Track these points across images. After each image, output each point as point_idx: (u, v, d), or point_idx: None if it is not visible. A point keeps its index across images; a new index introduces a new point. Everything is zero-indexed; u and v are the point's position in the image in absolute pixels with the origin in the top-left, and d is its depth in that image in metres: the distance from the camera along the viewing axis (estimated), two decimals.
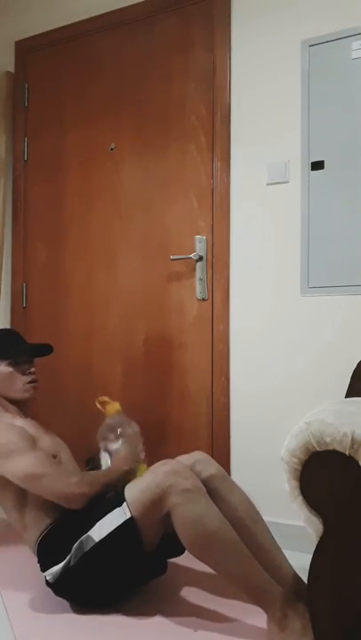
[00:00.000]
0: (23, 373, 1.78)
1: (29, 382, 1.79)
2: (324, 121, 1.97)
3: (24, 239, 2.62)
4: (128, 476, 1.64)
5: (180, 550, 1.60)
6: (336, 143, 1.96)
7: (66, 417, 2.33)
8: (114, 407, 1.83)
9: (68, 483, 1.56)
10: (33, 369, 1.82)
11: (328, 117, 1.97)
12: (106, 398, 1.85)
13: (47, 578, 1.56)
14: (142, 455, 1.76)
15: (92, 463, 1.79)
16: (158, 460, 1.56)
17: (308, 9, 2.00)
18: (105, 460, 1.74)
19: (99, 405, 1.83)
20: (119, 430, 1.76)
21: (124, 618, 1.52)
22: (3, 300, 2.62)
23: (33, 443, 1.65)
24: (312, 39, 1.99)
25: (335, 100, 1.95)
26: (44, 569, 1.57)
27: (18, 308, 2.62)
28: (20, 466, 1.56)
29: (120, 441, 1.75)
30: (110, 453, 1.74)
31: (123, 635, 1.45)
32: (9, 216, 2.64)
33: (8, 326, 2.62)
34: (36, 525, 1.60)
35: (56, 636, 1.45)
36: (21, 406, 1.81)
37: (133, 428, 1.80)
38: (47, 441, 1.74)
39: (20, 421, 1.73)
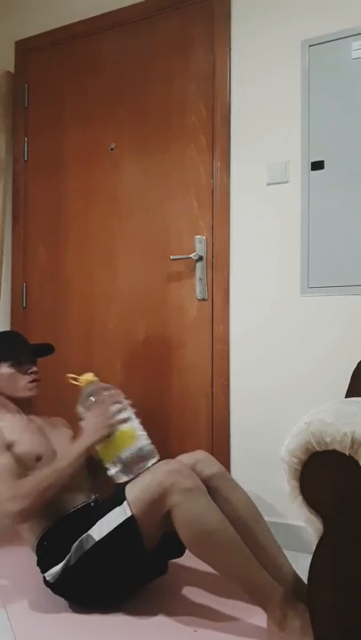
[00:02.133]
0: (25, 373, 1.79)
1: (32, 381, 1.80)
2: (324, 121, 1.97)
3: (24, 239, 2.62)
4: (109, 442, 1.57)
5: (180, 551, 1.60)
6: (336, 143, 1.96)
7: (65, 417, 2.32)
8: (86, 379, 1.70)
9: (3, 500, 1.50)
10: (35, 368, 1.83)
11: (328, 117, 1.97)
12: (73, 375, 1.72)
13: (47, 578, 1.56)
14: (122, 415, 1.62)
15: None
16: (158, 462, 1.56)
17: (309, 9, 2.00)
18: None
19: (72, 382, 1.72)
20: (90, 401, 1.65)
21: (124, 618, 1.52)
22: (3, 300, 2.62)
23: (4, 447, 1.61)
24: (312, 39, 1.99)
25: (335, 100, 1.95)
26: (43, 570, 1.57)
27: (18, 308, 2.62)
28: None
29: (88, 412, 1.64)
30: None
31: (123, 634, 1.45)
32: (9, 216, 2.64)
33: (8, 326, 2.63)
34: (35, 525, 1.60)
35: (56, 636, 1.45)
36: (25, 405, 1.81)
37: (105, 393, 1.66)
38: (28, 442, 1.67)
39: (7, 420, 1.71)
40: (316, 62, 1.99)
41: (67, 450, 1.65)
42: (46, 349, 1.91)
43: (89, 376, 1.72)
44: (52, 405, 2.42)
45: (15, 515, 1.50)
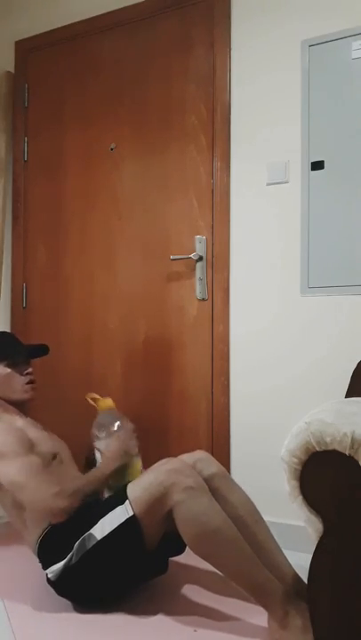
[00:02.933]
0: (21, 374, 1.79)
1: (28, 383, 1.80)
2: (324, 121, 1.98)
3: (24, 239, 2.62)
4: (122, 470, 1.65)
5: (180, 549, 1.61)
6: (336, 143, 1.96)
7: (66, 417, 2.33)
8: (106, 403, 1.78)
9: (47, 497, 1.54)
10: (30, 369, 1.82)
11: (328, 117, 1.97)
12: (95, 395, 1.80)
13: (49, 575, 1.56)
14: (136, 450, 1.74)
15: (90, 463, 1.78)
16: (158, 460, 1.56)
17: (309, 9, 2.00)
18: (99, 459, 1.73)
19: (90, 401, 1.80)
20: (110, 428, 1.74)
21: (124, 616, 1.52)
22: (3, 300, 2.62)
23: (30, 446, 1.65)
24: (312, 39, 1.99)
25: (335, 100, 1.96)
26: (45, 567, 1.57)
27: (18, 308, 2.62)
28: (8, 471, 1.57)
29: (111, 438, 1.73)
30: (101, 452, 1.72)
31: (123, 634, 1.46)
32: (9, 216, 2.64)
33: (8, 326, 2.63)
34: (36, 524, 1.59)
35: (55, 636, 1.45)
36: (20, 407, 1.81)
37: (125, 424, 1.76)
38: (47, 441, 1.74)
39: (21, 422, 1.73)
40: (316, 62, 1.99)
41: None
42: (41, 350, 1.90)
43: (109, 402, 1.79)
44: (53, 405, 2.43)
45: (59, 509, 1.53)
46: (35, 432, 1.73)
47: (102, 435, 1.73)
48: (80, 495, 1.56)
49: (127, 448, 1.71)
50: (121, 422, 1.76)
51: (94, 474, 1.64)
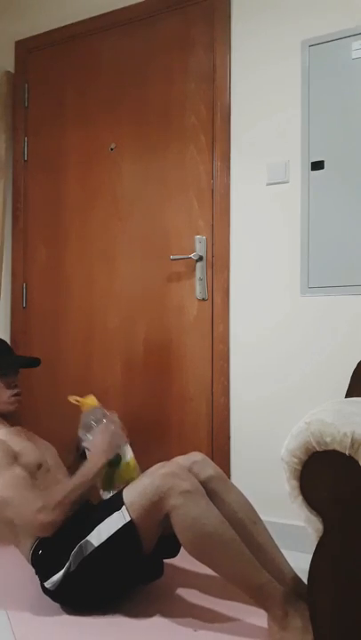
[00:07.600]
0: (8, 386, 1.79)
1: (14, 395, 1.80)
2: (324, 121, 1.98)
3: (24, 239, 2.62)
4: (111, 466, 1.62)
5: (175, 550, 1.61)
6: (336, 143, 1.96)
7: (65, 418, 2.32)
8: (87, 402, 1.73)
9: (33, 511, 1.49)
10: (16, 382, 1.82)
11: (328, 117, 1.97)
12: (76, 397, 1.76)
13: (47, 586, 1.54)
14: (124, 440, 1.67)
15: (83, 456, 1.71)
16: (158, 462, 1.56)
17: (309, 9, 2.00)
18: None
19: (73, 401, 1.75)
20: (93, 425, 1.69)
21: (123, 619, 1.52)
22: (3, 300, 2.62)
23: (13, 458, 1.62)
24: (312, 39, 1.99)
25: (335, 100, 1.96)
26: (44, 579, 1.55)
27: (18, 308, 2.62)
28: None
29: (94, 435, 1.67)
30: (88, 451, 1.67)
31: (123, 635, 1.45)
32: (9, 216, 2.64)
33: (8, 326, 2.63)
34: (28, 534, 1.58)
35: (55, 637, 1.45)
36: (6, 416, 1.81)
37: (108, 418, 1.71)
38: (31, 451, 1.69)
39: (3, 432, 1.72)
40: (316, 62, 1.99)
41: (56, 460, 1.78)
42: (32, 363, 1.90)
43: (91, 400, 1.75)
44: (52, 405, 2.43)
45: (46, 525, 1.49)
46: (19, 442, 1.69)
47: (88, 435, 1.68)
48: (66, 505, 1.51)
49: (112, 441, 1.65)
50: (104, 417, 1.71)
51: (79, 477, 1.58)
